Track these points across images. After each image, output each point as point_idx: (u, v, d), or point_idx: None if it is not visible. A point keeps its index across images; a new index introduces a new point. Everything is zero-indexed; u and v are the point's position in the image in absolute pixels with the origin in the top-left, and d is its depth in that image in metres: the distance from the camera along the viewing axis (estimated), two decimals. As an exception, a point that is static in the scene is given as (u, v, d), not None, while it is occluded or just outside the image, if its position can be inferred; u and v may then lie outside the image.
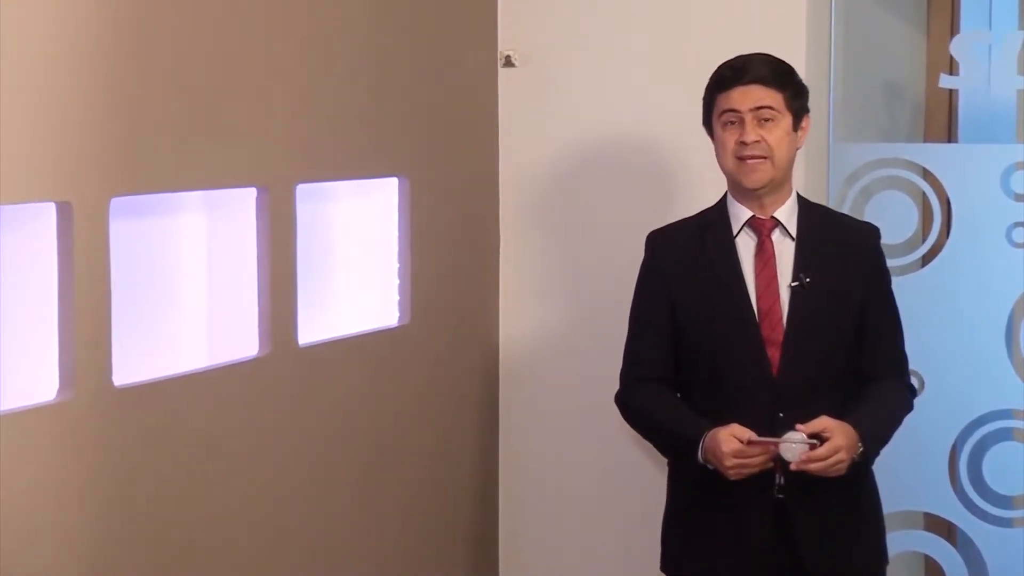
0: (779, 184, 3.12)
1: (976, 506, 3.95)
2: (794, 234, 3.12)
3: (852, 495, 3.13)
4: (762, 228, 3.13)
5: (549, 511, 4.10)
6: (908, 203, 3.97)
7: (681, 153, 3.89)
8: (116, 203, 2.81)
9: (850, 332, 3.12)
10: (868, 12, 4.26)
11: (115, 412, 2.82)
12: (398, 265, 3.70)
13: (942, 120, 4.44)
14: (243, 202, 3.21)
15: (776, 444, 2.97)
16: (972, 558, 3.98)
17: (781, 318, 3.07)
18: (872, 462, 3.13)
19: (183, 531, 3.00)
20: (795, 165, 3.80)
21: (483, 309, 4.04)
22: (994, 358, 3.88)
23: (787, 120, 3.10)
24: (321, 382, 3.39)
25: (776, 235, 3.12)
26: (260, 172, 3.19)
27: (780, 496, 3.05)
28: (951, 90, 4.25)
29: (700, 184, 3.72)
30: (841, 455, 2.97)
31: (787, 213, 3.14)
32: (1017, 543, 3.92)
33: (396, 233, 3.69)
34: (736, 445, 2.97)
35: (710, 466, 3.03)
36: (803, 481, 3.01)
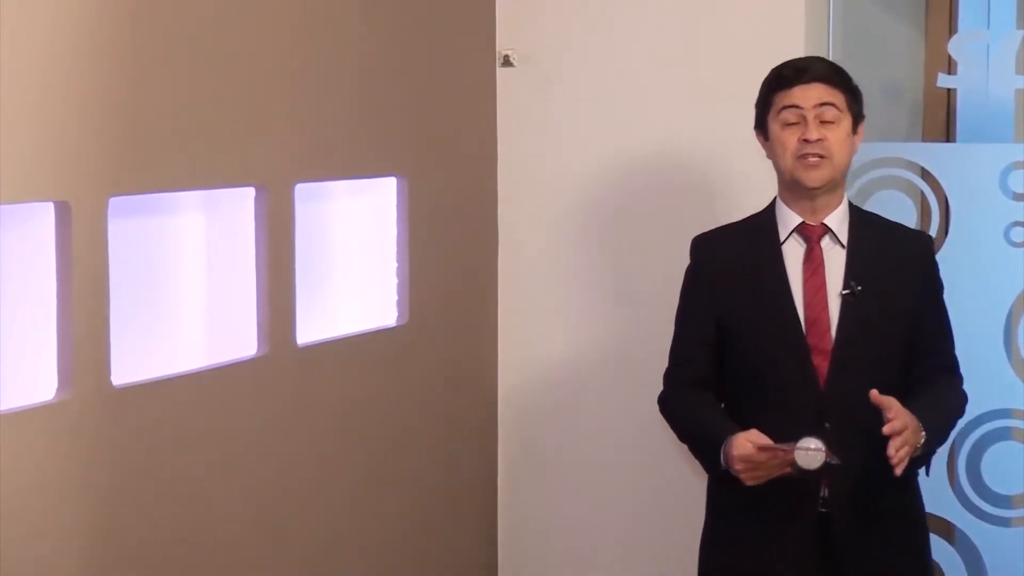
0: (835, 186, 3.05)
1: (975, 505, 3.95)
2: (844, 242, 3.06)
3: (899, 506, 3.07)
4: (811, 235, 3.06)
5: (549, 508, 4.09)
6: (906, 202, 3.97)
7: (681, 152, 3.89)
8: (114, 203, 2.81)
9: (902, 344, 3.05)
10: (866, 12, 4.26)
11: (113, 412, 2.82)
12: (396, 265, 3.70)
13: (940, 119, 4.44)
14: (242, 202, 3.21)
15: (787, 451, 2.87)
16: (970, 557, 3.98)
17: (829, 327, 3.00)
18: (929, 460, 3.06)
19: (181, 530, 3.00)
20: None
21: (482, 309, 4.04)
22: (992, 357, 3.88)
23: (848, 122, 3.04)
24: (319, 382, 3.39)
25: (826, 242, 3.06)
26: (259, 172, 3.19)
27: (823, 510, 2.99)
28: (949, 89, 4.25)
29: (700, 183, 3.72)
30: (907, 435, 2.86)
31: (838, 220, 3.07)
32: (1015, 542, 3.92)
33: (395, 233, 3.69)
34: (746, 450, 2.89)
35: (732, 471, 2.95)
36: (847, 494, 2.97)
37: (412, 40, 3.68)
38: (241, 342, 3.21)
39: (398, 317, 3.71)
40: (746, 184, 3.70)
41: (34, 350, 2.74)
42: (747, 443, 2.90)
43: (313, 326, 3.41)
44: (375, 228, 3.69)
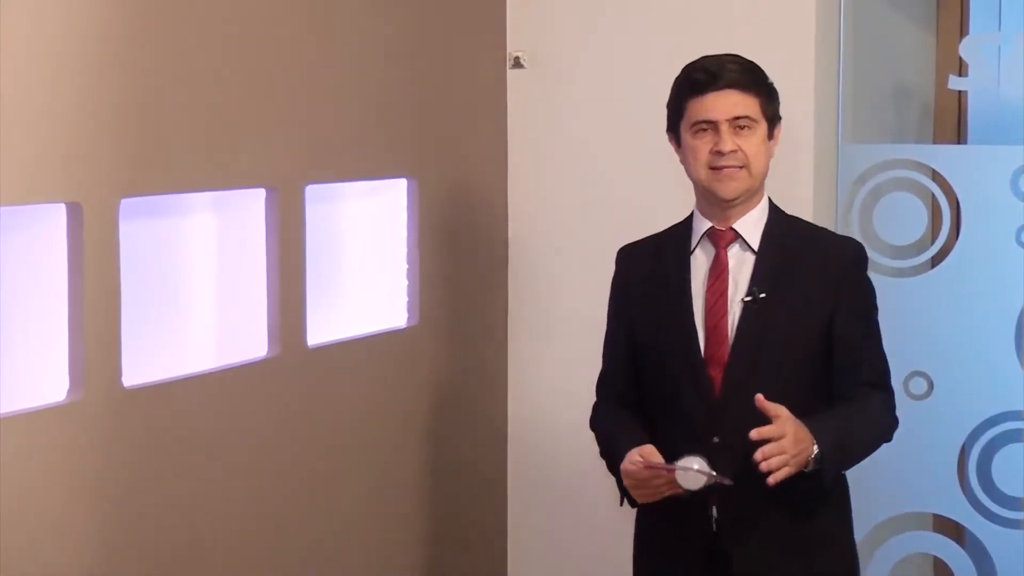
0: (753, 194, 2.89)
1: (985, 507, 3.94)
2: (756, 247, 2.89)
3: (800, 526, 2.87)
4: (719, 240, 2.90)
5: (558, 511, 4.09)
6: (917, 204, 3.96)
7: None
8: (126, 204, 2.81)
9: (813, 357, 2.85)
10: (877, 13, 4.25)
11: (124, 412, 2.82)
12: (407, 266, 3.70)
13: (951, 121, 4.43)
14: (252, 203, 3.22)
15: (671, 470, 2.72)
16: (981, 559, 3.97)
17: (727, 337, 2.84)
18: (831, 476, 2.80)
19: (191, 531, 3.00)
20: (803, 166, 3.81)
21: (491, 310, 4.04)
22: (1003, 360, 3.87)
23: (763, 128, 2.87)
24: (330, 383, 3.40)
25: (735, 248, 2.89)
26: (269, 173, 3.20)
27: (717, 532, 2.84)
28: (960, 91, 4.25)
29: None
30: (785, 443, 2.68)
31: (751, 224, 2.90)
32: (1026, 545, 3.92)
33: (405, 234, 3.70)
34: (630, 467, 2.78)
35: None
36: (739, 515, 2.82)
37: (422, 42, 3.68)
38: (252, 343, 3.22)
39: (408, 318, 3.71)
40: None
41: (46, 351, 2.75)
42: (637, 457, 2.78)
43: (324, 327, 3.41)
44: (385, 229, 3.70)
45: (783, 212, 2.96)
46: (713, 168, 2.86)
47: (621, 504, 2.95)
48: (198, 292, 3.17)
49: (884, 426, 2.94)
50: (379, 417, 3.57)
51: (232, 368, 3.13)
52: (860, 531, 3.81)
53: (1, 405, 2.65)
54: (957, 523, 4.00)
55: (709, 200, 2.91)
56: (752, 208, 2.91)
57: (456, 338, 3.88)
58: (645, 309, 2.96)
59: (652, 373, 2.95)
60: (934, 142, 4.43)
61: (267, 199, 3.21)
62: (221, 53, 3.04)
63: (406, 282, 3.71)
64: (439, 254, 3.77)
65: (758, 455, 2.68)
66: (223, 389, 3.09)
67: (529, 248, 4.08)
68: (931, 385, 3.87)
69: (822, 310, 2.86)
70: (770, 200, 2.95)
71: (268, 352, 3.22)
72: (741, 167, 2.85)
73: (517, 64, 4.04)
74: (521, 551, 4.14)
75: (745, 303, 2.84)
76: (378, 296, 3.69)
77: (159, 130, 2.89)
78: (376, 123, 3.53)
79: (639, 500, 2.85)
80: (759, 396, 2.71)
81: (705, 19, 3.88)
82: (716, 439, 2.80)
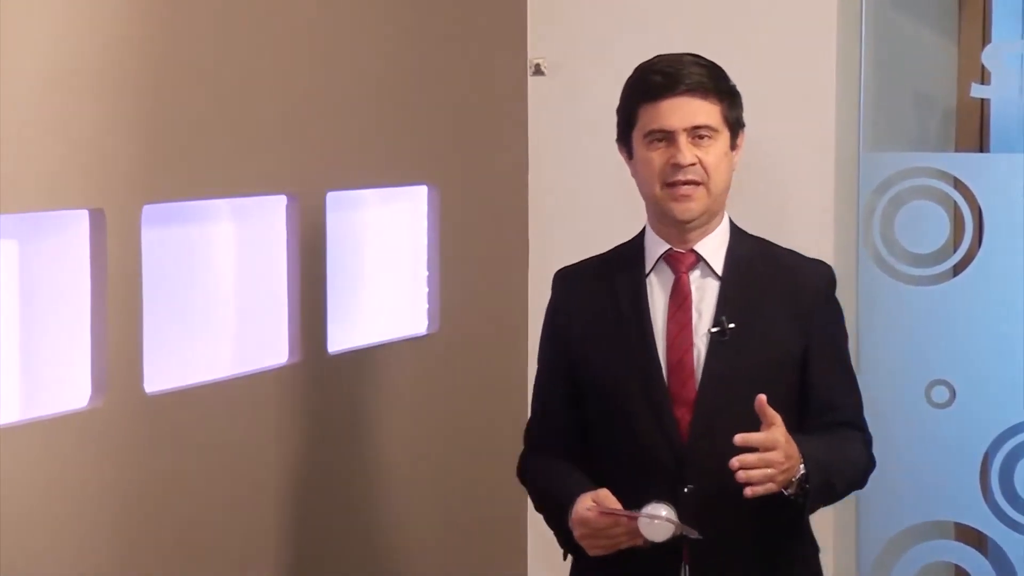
0: (713, 214, 2.63)
1: (1007, 516, 3.93)
2: (720, 271, 2.63)
3: None
4: (679, 264, 2.63)
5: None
6: (939, 213, 3.95)
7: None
8: (148, 210, 2.82)
9: (785, 391, 2.59)
10: (899, 21, 4.25)
11: (146, 419, 2.83)
12: (427, 273, 3.71)
13: (973, 129, 4.42)
14: (273, 210, 3.22)
15: (633, 518, 2.47)
16: (1003, 568, 3.96)
17: (693, 372, 2.58)
18: (811, 505, 2.55)
19: (212, 538, 3.01)
20: (824, 175, 3.80)
21: (512, 317, 4.04)
22: (1025, 367, 3.87)
23: (725, 138, 2.60)
24: (350, 390, 3.40)
25: (697, 273, 2.63)
26: (290, 180, 3.20)
27: None
28: (982, 99, 4.24)
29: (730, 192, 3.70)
30: (773, 456, 2.42)
31: (713, 246, 2.64)
32: (1048, 554, 3.90)
33: (425, 241, 3.70)
34: (585, 514, 2.50)
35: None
36: (712, 572, 2.57)
37: (443, 49, 3.69)
38: (273, 350, 3.22)
39: (429, 325, 3.71)
40: (780, 195, 3.69)
41: (68, 357, 2.75)
42: (590, 502, 2.51)
43: (344, 334, 3.42)
44: (406, 236, 3.70)
45: (745, 232, 2.71)
46: (669, 185, 2.60)
47: (565, 558, 2.70)
48: (219, 298, 3.18)
49: (863, 469, 2.69)
50: (399, 424, 3.57)
51: (253, 375, 3.14)
52: (882, 539, 3.82)
53: (23, 411, 2.66)
54: (979, 532, 3.98)
55: (664, 221, 2.64)
56: (713, 229, 2.65)
57: (477, 345, 3.88)
58: (593, 342, 2.66)
59: (603, 416, 2.66)
60: (956, 150, 4.42)
61: (288, 206, 3.22)
62: (243, 60, 3.05)
63: (427, 289, 3.71)
64: (460, 261, 3.77)
65: (734, 463, 2.42)
66: (244, 396, 3.09)
67: (550, 255, 4.07)
68: (953, 393, 3.86)
69: (795, 341, 2.63)
70: (730, 219, 2.70)
71: (289, 359, 3.23)
72: (699, 184, 2.58)
73: (538, 71, 4.04)
74: (541, 556, 4.13)
75: (712, 335, 2.59)
76: (399, 303, 3.69)
77: (181, 136, 2.90)
78: (397, 130, 3.53)
79: (592, 552, 2.55)
80: (761, 397, 2.45)
81: (726, 27, 3.88)
82: (687, 489, 2.55)
